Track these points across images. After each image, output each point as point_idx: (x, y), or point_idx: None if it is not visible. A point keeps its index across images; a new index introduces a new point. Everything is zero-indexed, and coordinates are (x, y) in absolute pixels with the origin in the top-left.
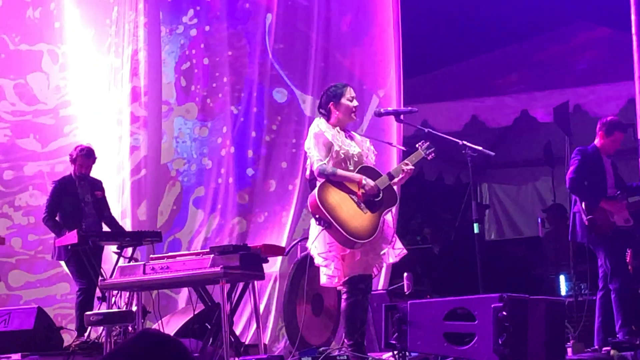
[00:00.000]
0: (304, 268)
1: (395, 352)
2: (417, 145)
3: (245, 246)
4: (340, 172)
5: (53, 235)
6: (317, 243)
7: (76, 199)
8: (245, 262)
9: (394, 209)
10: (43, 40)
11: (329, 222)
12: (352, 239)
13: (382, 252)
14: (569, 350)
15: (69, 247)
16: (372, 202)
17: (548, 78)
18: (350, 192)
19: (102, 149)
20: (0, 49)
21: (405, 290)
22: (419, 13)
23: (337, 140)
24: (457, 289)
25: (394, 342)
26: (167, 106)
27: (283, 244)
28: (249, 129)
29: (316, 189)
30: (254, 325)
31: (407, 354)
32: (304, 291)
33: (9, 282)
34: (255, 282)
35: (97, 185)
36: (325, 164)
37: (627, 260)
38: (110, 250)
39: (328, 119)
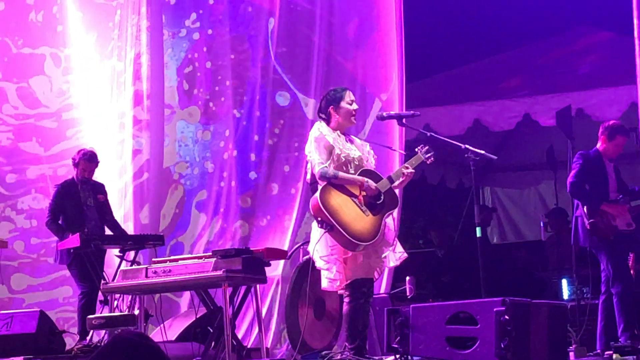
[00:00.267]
0: (306, 272)
1: (398, 356)
2: (416, 149)
3: (247, 250)
4: (342, 174)
5: (56, 238)
6: (319, 246)
7: (78, 202)
8: (248, 265)
9: (395, 212)
10: (46, 44)
11: (331, 224)
12: (354, 241)
13: (383, 256)
14: (572, 354)
15: (72, 250)
16: (373, 204)
17: (550, 82)
18: (351, 194)
19: (105, 152)
20: (3, 52)
21: (408, 294)
22: (422, 17)
23: (338, 144)
24: (459, 292)
25: (396, 345)
26: (169, 110)
27: (285, 248)
28: (251, 133)
29: (318, 192)
30: (256, 329)
31: (409, 357)
32: (306, 295)
33: (12, 286)
34: (258, 285)
35: (100, 188)
36: (326, 167)
37: (629, 264)
38: (112, 254)
39: (328, 123)
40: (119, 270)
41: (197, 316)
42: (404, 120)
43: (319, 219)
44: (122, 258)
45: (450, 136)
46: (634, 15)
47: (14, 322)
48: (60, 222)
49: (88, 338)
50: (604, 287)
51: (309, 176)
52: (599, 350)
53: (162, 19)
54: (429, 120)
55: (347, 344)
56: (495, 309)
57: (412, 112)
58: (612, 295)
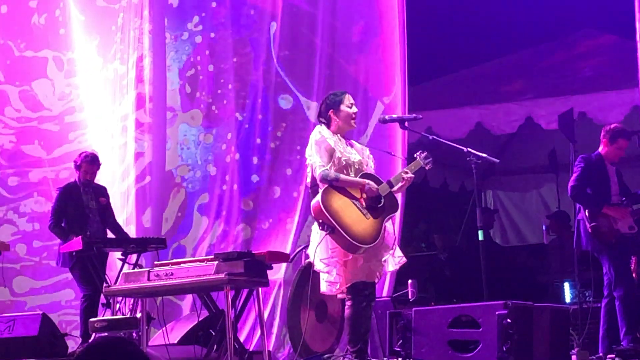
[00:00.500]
0: (308, 275)
1: (400, 359)
2: (415, 155)
3: (249, 253)
4: (343, 177)
5: (58, 241)
6: (320, 249)
7: (81, 205)
8: (250, 268)
9: (398, 215)
10: (48, 47)
11: (333, 226)
12: (356, 243)
13: (383, 259)
14: (574, 357)
15: (74, 253)
16: (374, 208)
17: (553, 85)
18: (353, 197)
19: (107, 155)
20: (6, 55)
21: (410, 297)
22: (424, 20)
23: (339, 147)
24: (462, 296)
25: (398, 349)
26: (171, 113)
27: (287, 251)
28: (253, 136)
29: (320, 194)
30: (259, 332)
31: None
32: (308, 298)
33: (14, 288)
34: (260, 288)
35: (102, 191)
36: (327, 169)
37: (632, 268)
38: (115, 257)
39: (328, 127)
40: (121, 273)
41: (199, 319)
42: (406, 124)
43: (320, 221)
44: (124, 261)
45: (452, 139)
46: (636, 19)
47: (16, 325)
48: (63, 225)
49: (90, 341)
50: (606, 290)
51: (308, 179)
52: (601, 354)
53: (165, 22)
54: (431, 123)
55: (349, 347)
56: (497, 313)
57: (414, 115)
58: (615, 299)
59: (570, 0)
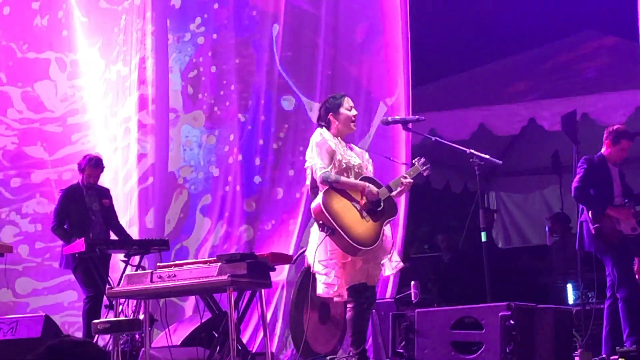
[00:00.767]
0: (310, 276)
1: None
2: (413, 161)
3: (252, 254)
4: (343, 179)
5: (61, 243)
6: (319, 250)
7: (84, 207)
8: (253, 270)
9: (401, 217)
10: (51, 49)
11: (333, 228)
12: (355, 245)
13: (382, 262)
14: (577, 359)
15: (77, 255)
16: (374, 211)
17: (556, 86)
18: (353, 199)
19: (110, 157)
20: (8, 56)
21: (413, 298)
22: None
23: (340, 150)
24: (464, 297)
25: (401, 350)
26: (174, 114)
27: (290, 252)
28: (256, 137)
29: (320, 195)
30: (261, 334)
31: None
32: (310, 299)
33: (16, 290)
34: (263, 290)
35: (105, 193)
36: (328, 171)
37: (635, 269)
38: (117, 259)
39: (328, 130)
40: (124, 274)
41: (202, 321)
42: (409, 125)
43: (321, 222)
44: (127, 263)
45: (455, 141)
46: (639, 20)
47: (19, 327)
48: (65, 226)
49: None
50: (609, 291)
51: (308, 181)
52: (604, 355)
53: (167, 24)
54: (434, 124)
55: (352, 350)
56: (500, 314)
57: (417, 116)
58: (618, 300)
59: (574, 2)
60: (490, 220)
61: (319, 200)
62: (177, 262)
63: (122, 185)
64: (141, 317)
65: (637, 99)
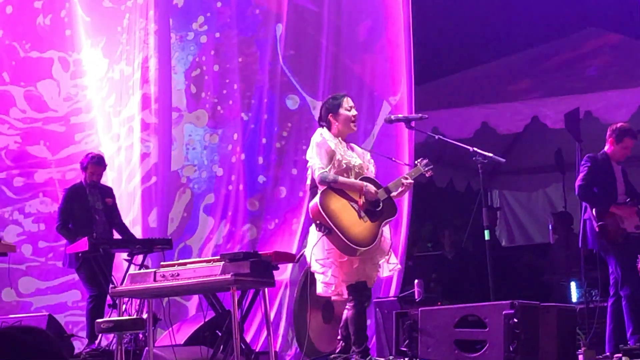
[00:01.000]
0: (314, 275)
1: (406, 359)
2: (416, 162)
3: (255, 253)
4: (341, 179)
5: (64, 242)
6: (316, 249)
7: (87, 206)
8: (256, 269)
9: (405, 216)
10: (54, 48)
11: (330, 228)
12: (352, 245)
13: (380, 262)
14: (580, 357)
15: (80, 254)
16: (372, 211)
17: (559, 84)
18: (351, 200)
19: (114, 156)
20: (11, 56)
21: (416, 297)
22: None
23: (340, 150)
24: (468, 295)
25: (404, 349)
26: (177, 113)
27: (293, 251)
28: (259, 136)
29: (318, 195)
30: (265, 333)
31: None
32: (314, 298)
33: (19, 289)
34: (266, 289)
35: (108, 192)
36: (326, 171)
37: (638, 267)
38: (121, 258)
39: (329, 130)
40: (127, 274)
41: (206, 320)
42: (412, 124)
43: (318, 222)
44: (130, 262)
45: (458, 139)
46: None
47: None
48: (70, 226)
49: (97, 342)
50: (612, 289)
51: (308, 181)
52: (608, 353)
53: (170, 23)
54: (437, 123)
55: (354, 348)
56: (504, 312)
57: (419, 115)
58: (621, 298)
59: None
60: (493, 219)
61: (316, 200)
62: (180, 261)
63: (126, 184)
64: (145, 316)
65: None
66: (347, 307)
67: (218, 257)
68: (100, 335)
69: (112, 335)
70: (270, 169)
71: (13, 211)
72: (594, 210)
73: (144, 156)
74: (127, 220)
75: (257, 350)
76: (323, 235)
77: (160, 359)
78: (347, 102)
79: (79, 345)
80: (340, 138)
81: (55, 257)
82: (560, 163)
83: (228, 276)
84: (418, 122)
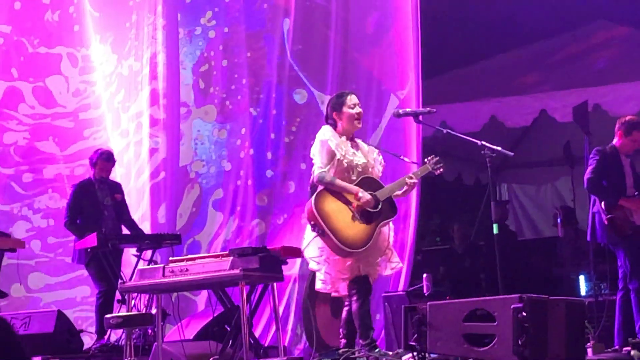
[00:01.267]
0: None
1: (415, 354)
2: (425, 160)
3: (264, 248)
4: (338, 182)
5: (73, 238)
6: (310, 248)
7: (96, 202)
8: (265, 264)
9: (413, 211)
10: (62, 44)
11: (323, 229)
12: (344, 248)
13: (377, 261)
14: (589, 350)
15: (89, 250)
16: (368, 213)
17: (567, 78)
18: (347, 202)
19: (122, 152)
20: (19, 51)
21: (425, 291)
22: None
23: (341, 150)
24: (477, 289)
25: (413, 343)
26: (185, 108)
27: (302, 246)
28: (268, 131)
29: (313, 196)
30: (274, 327)
31: (427, 355)
32: (323, 293)
33: (29, 285)
34: (275, 284)
35: (117, 188)
36: (325, 171)
37: None
38: (130, 253)
39: (335, 128)
40: (136, 269)
41: (215, 315)
42: (420, 117)
43: (312, 223)
44: (139, 257)
45: (466, 133)
46: None
47: (32, 322)
48: (78, 222)
49: (106, 337)
50: (621, 283)
51: (312, 178)
52: (617, 347)
53: (178, 18)
54: (445, 117)
55: (361, 341)
56: (512, 306)
57: (428, 109)
58: (630, 291)
59: None
60: (504, 212)
61: (311, 201)
62: (189, 256)
63: (135, 180)
64: (153, 311)
65: None
66: (345, 305)
67: (227, 252)
68: (109, 330)
69: (121, 330)
70: (279, 164)
71: (22, 207)
72: (602, 203)
73: (153, 152)
74: (136, 215)
75: (265, 345)
76: (316, 236)
77: (169, 354)
78: (351, 99)
79: (88, 341)
80: (345, 136)
81: (64, 253)
82: (568, 156)
83: (237, 271)
84: (426, 115)
